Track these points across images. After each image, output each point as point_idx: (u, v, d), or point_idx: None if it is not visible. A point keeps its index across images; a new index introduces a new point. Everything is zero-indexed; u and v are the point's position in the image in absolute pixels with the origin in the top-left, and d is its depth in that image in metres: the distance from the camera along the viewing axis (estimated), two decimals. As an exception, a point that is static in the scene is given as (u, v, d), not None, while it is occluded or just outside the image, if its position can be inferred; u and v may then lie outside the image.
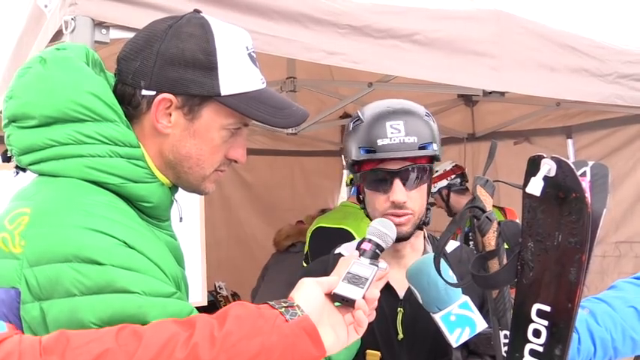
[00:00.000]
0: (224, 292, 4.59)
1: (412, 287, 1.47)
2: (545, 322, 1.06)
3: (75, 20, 1.70)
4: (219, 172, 1.24)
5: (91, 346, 0.91)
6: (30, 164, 1.13)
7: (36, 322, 1.01)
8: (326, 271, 1.68)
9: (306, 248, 3.46)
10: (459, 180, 4.33)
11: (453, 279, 1.35)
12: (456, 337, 1.41)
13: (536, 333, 1.08)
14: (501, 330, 1.24)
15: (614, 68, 3.13)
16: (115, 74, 1.21)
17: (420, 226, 1.63)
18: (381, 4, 2.37)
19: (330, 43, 2.20)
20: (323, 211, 4.33)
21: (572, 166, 0.98)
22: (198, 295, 2.45)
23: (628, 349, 1.53)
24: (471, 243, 3.29)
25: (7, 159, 2.40)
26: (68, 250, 0.99)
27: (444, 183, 4.33)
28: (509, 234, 1.15)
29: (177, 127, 1.17)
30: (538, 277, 1.06)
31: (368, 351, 1.58)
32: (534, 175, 1.00)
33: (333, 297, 1.13)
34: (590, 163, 1.06)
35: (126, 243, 1.03)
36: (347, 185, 3.80)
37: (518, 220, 1.16)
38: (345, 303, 1.13)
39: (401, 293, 1.63)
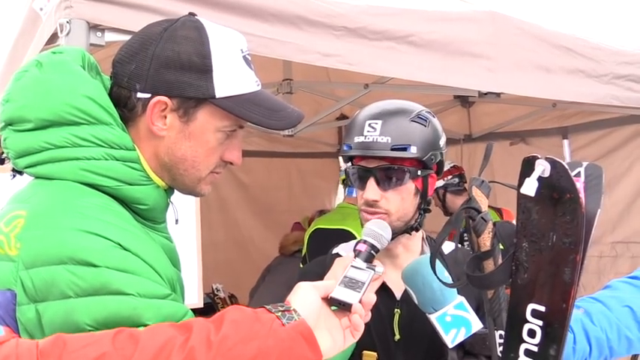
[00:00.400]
0: (221, 294, 4.59)
1: (408, 288, 1.47)
2: (540, 322, 1.07)
3: (70, 23, 1.70)
4: (214, 174, 1.25)
5: (87, 349, 0.91)
6: (26, 167, 1.13)
7: (32, 324, 1.01)
8: (323, 271, 1.68)
9: (304, 250, 3.46)
10: (456, 180, 4.34)
11: (449, 280, 1.36)
12: (451, 338, 1.41)
13: (531, 333, 1.09)
14: (497, 330, 1.25)
15: (610, 69, 3.14)
16: (110, 77, 1.22)
17: (406, 230, 1.62)
18: (376, 6, 2.37)
19: (325, 45, 2.21)
20: (321, 212, 4.33)
21: (567, 167, 0.98)
22: (194, 297, 2.46)
23: (623, 349, 1.53)
24: (466, 243, 3.30)
25: (1, 161, 2.40)
26: (63, 252, 1.00)
27: (440, 183, 4.35)
28: (504, 234, 1.16)
29: (173, 129, 1.17)
30: (533, 278, 1.07)
31: (365, 352, 1.59)
32: (529, 175, 1.01)
33: (330, 301, 1.13)
34: (585, 164, 1.06)
35: (120, 245, 1.04)
36: (342, 185, 3.81)
37: (515, 221, 1.17)
38: (342, 307, 1.13)
39: (398, 294, 1.63)
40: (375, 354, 1.59)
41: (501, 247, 1.20)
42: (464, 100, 4.95)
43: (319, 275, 1.36)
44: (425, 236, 1.74)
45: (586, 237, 0.99)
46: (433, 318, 1.43)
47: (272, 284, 4.01)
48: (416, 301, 1.46)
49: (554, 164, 0.99)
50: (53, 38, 1.83)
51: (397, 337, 1.61)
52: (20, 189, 1.16)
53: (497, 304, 1.24)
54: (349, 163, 1.66)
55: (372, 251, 1.32)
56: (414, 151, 1.54)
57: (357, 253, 1.30)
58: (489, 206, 4.30)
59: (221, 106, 1.16)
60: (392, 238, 1.58)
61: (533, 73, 2.85)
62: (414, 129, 1.56)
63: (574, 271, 1.00)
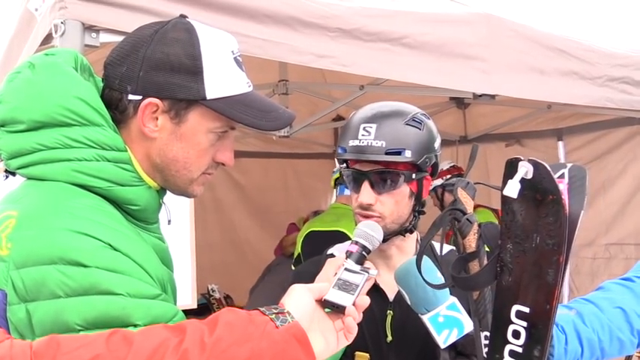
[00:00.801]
0: (217, 295, 4.60)
1: (400, 288, 1.48)
2: (524, 323, 1.07)
3: (65, 24, 1.71)
4: (206, 175, 1.25)
5: (81, 351, 0.91)
6: (18, 168, 1.14)
7: (22, 323, 1.01)
8: (318, 271, 1.69)
9: (297, 252, 3.46)
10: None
11: (440, 280, 1.36)
12: (443, 338, 1.42)
13: (516, 334, 1.09)
14: (482, 331, 1.25)
15: (604, 71, 3.16)
16: (102, 79, 1.22)
17: (400, 232, 1.63)
18: (371, 8, 2.38)
19: (320, 46, 2.21)
20: (316, 213, 4.34)
21: (549, 169, 0.99)
22: (188, 298, 2.46)
23: (615, 350, 1.54)
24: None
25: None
26: (54, 252, 1.00)
27: (438, 182, 4.39)
28: (490, 236, 1.16)
29: (164, 131, 1.18)
30: (517, 279, 1.07)
31: (357, 353, 1.59)
32: (512, 177, 1.01)
33: (324, 303, 1.14)
34: (569, 166, 1.07)
35: (111, 245, 1.04)
36: (333, 185, 3.80)
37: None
38: (336, 309, 1.13)
39: (391, 296, 1.64)
40: (367, 355, 1.60)
41: (487, 249, 1.21)
42: (459, 102, 4.97)
43: (314, 275, 1.37)
44: (419, 238, 1.75)
45: (569, 238, 1.00)
46: (425, 318, 1.43)
47: (270, 284, 4.02)
48: (409, 302, 1.47)
49: (536, 166, 1.00)
50: (48, 39, 1.83)
51: (389, 338, 1.61)
52: (12, 190, 1.17)
53: (482, 305, 1.25)
54: (344, 165, 1.67)
55: (364, 252, 1.33)
56: (408, 155, 1.54)
57: (348, 254, 1.31)
58: (485, 207, 4.29)
59: (212, 107, 1.17)
60: (386, 240, 1.59)
61: (527, 75, 2.87)
62: (409, 132, 1.56)
63: (557, 272, 1.01)
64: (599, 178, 4.30)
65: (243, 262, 5.26)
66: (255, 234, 5.60)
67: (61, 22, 1.71)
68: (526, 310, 1.07)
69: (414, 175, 1.58)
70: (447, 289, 1.44)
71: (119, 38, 1.58)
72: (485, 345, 1.22)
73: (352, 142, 1.56)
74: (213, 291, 4.60)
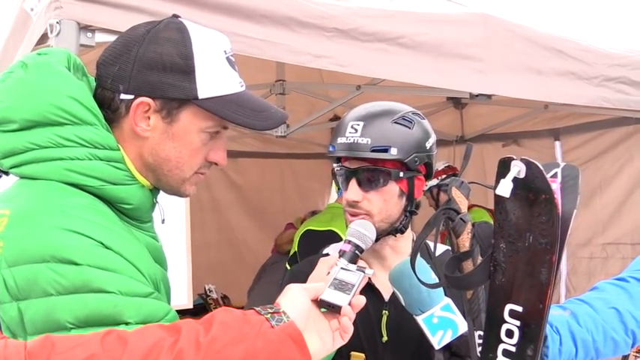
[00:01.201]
0: (214, 295, 4.59)
1: (395, 289, 1.48)
2: (518, 323, 1.07)
3: (60, 24, 1.70)
4: (199, 174, 1.25)
5: (76, 351, 0.91)
6: (11, 167, 1.14)
7: (14, 322, 1.02)
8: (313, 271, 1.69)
9: (293, 250, 3.47)
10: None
11: (435, 280, 1.36)
12: (438, 339, 1.42)
13: (509, 333, 1.09)
14: (476, 330, 1.26)
15: (601, 71, 3.16)
16: (95, 79, 1.23)
17: (391, 232, 1.63)
18: (368, 8, 2.38)
19: (317, 47, 2.21)
20: (313, 213, 4.34)
21: (542, 168, 0.99)
22: (184, 298, 2.45)
23: (609, 350, 1.54)
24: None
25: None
26: (45, 250, 1.00)
27: (434, 182, 4.40)
28: (483, 235, 1.17)
29: (156, 130, 1.18)
30: (510, 278, 1.07)
31: (352, 353, 1.59)
32: (504, 176, 1.02)
33: (320, 303, 1.14)
34: (562, 165, 1.07)
35: (102, 244, 1.04)
36: (335, 185, 3.81)
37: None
38: (331, 309, 1.13)
39: (386, 296, 1.64)
40: (362, 355, 1.60)
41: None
42: (456, 102, 4.97)
43: (309, 275, 1.37)
44: (415, 238, 1.74)
45: (562, 237, 1.00)
46: (420, 319, 1.43)
47: (268, 283, 4.01)
48: (403, 303, 1.47)
49: (529, 165, 1.00)
50: (43, 39, 1.83)
51: (385, 338, 1.62)
52: (5, 189, 1.17)
53: (476, 305, 1.25)
54: (339, 163, 1.68)
55: (357, 251, 1.34)
56: (394, 152, 1.54)
57: (341, 254, 1.32)
58: (480, 206, 4.29)
59: (204, 107, 1.17)
60: (377, 240, 1.59)
61: (524, 75, 2.87)
62: (396, 131, 1.56)
63: (550, 271, 1.01)
64: (595, 178, 4.31)
65: (240, 262, 5.26)
66: (253, 234, 5.60)
67: (57, 22, 1.71)
68: (519, 309, 1.07)
69: (401, 174, 1.57)
70: (442, 291, 1.44)
71: (115, 38, 1.58)
72: (479, 344, 1.22)
73: (340, 140, 1.58)
74: (210, 291, 4.59)
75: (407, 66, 2.46)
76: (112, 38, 1.74)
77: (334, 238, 2.92)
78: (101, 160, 1.13)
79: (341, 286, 1.17)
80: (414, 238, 1.73)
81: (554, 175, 1.04)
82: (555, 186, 1.01)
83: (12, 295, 1.01)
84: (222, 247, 5.41)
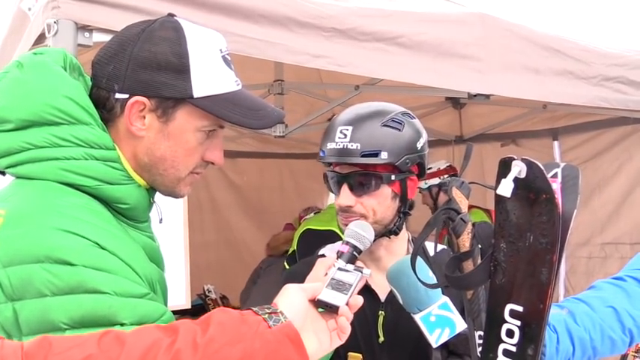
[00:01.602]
0: (213, 296, 4.59)
1: (392, 288, 1.48)
2: (518, 322, 1.07)
3: (58, 23, 1.70)
4: (194, 174, 1.25)
5: (73, 351, 0.91)
6: (7, 167, 1.13)
7: (9, 322, 1.01)
8: (310, 272, 1.69)
9: (292, 248, 3.47)
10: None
11: (433, 280, 1.36)
12: (435, 338, 1.42)
13: (510, 333, 1.09)
14: (476, 330, 1.26)
15: (599, 71, 3.16)
16: (90, 78, 1.22)
17: (385, 234, 1.62)
18: (366, 7, 2.38)
19: (315, 46, 2.21)
20: (308, 210, 4.35)
21: (542, 168, 0.99)
22: (182, 299, 2.45)
23: (607, 349, 1.54)
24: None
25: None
26: (40, 250, 1.00)
27: (435, 181, 4.40)
28: (483, 235, 1.16)
29: (152, 129, 1.17)
30: (510, 278, 1.07)
31: (350, 353, 1.59)
32: (505, 176, 1.02)
33: (317, 303, 1.13)
34: (562, 165, 1.07)
35: (98, 244, 1.04)
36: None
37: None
38: (329, 309, 1.13)
39: (382, 296, 1.64)
40: (360, 356, 1.60)
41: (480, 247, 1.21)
42: (455, 102, 4.97)
43: (306, 276, 1.36)
44: (410, 238, 1.74)
45: (562, 237, 1.00)
46: (417, 318, 1.43)
47: (266, 285, 4.01)
48: (400, 301, 1.47)
49: (530, 165, 1.00)
50: (41, 38, 1.83)
51: (381, 339, 1.61)
52: (1, 189, 1.17)
53: (476, 305, 1.25)
54: (330, 167, 1.67)
55: (355, 252, 1.33)
56: (384, 156, 1.53)
57: (339, 255, 1.31)
58: (479, 207, 4.29)
59: (199, 105, 1.16)
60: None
61: (522, 75, 2.87)
62: (386, 134, 1.55)
63: (551, 271, 1.01)
64: (594, 178, 4.32)
65: (239, 263, 5.25)
66: (252, 234, 5.60)
67: (54, 22, 1.70)
68: (520, 309, 1.07)
69: (393, 177, 1.57)
70: (439, 289, 1.44)
71: (112, 38, 1.57)
72: (479, 344, 1.22)
73: (330, 145, 1.57)
74: (209, 291, 4.59)
75: (405, 66, 2.46)
76: (109, 38, 1.74)
77: (334, 238, 2.92)
78: (97, 159, 1.12)
79: (338, 286, 1.17)
80: (409, 238, 1.73)
81: (555, 175, 1.04)
82: (556, 186, 1.01)
83: (7, 295, 1.01)
84: (221, 247, 5.41)
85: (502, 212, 1.05)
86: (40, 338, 0.93)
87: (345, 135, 1.54)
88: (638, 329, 1.55)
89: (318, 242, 1.94)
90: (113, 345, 0.92)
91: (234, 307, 1.74)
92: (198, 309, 3.90)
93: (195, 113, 1.18)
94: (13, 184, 1.15)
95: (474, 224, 1.22)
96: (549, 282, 1.01)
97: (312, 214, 4.50)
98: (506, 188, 1.01)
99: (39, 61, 1.16)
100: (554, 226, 0.98)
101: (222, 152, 1.26)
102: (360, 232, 1.38)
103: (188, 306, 2.47)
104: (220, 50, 1.21)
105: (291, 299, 1.09)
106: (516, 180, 1.01)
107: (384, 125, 1.56)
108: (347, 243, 1.35)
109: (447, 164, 4.66)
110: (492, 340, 1.12)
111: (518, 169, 1.00)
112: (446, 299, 1.44)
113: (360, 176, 1.57)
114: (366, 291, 1.56)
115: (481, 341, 1.19)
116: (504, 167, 1.03)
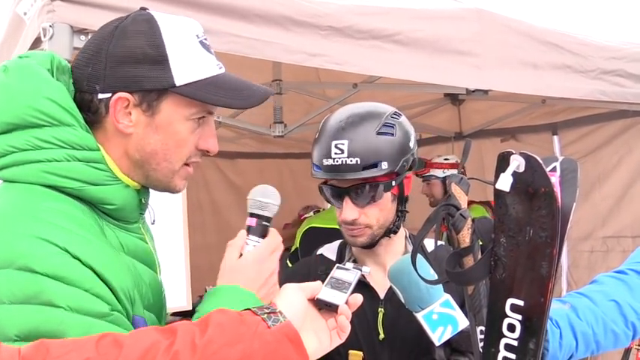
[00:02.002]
0: (214, 296, 4.58)
1: (394, 287, 1.48)
2: (519, 317, 1.07)
3: (53, 27, 1.70)
4: (188, 167, 1.23)
5: (71, 355, 0.90)
6: None
7: None
8: (309, 272, 1.69)
9: (295, 246, 3.46)
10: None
11: (433, 277, 1.36)
12: (438, 336, 1.41)
13: (511, 327, 1.09)
14: (478, 326, 1.25)
15: (597, 64, 3.16)
16: (72, 83, 1.20)
17: (385, 234, 1.62)
18: (362, 5, 2.38)
19: (312, 45, 2.21)
20: (307, 208, 4.34)
21: (541, 162, 0.99)
22: (183, 300, 2.44)
23: (610, 343, 1.54)
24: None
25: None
26: (7, 257, 0.98)
27: (440, 173, 4.41)
28: (483, 230, 1.16)
29: (139, 125, 1.16)
30: (511, 272, 1.07)
31: (350, 351, 1.59)
32: (504, 171, 1.01)
33: (316, 302, 1.13)
34: (561, 159, 1.07)
35: (67, 251, 1.01)
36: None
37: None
38: (328, 308, 1.13)
39: (381, 294, 1.64)
40: (360, 353, 1.60)
41: (480, 242, 1.21)
42: (454, 98, 4.96)
43: (305, 276, 1.36)
44: (408, 235, 1.74)
45: (562, 231, 1.00)
46: (420, 316, 1.43)
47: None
48: (402, 300, 1.46)
49: (528, 159, 1.00)
50: (37, 42, 1.83)
51: (382, 336, 1.61)
52: None
53: (477, 300, 1.25)
54: (323, 180, 1.65)
55: (264, 222, 1.27)
56: (385, 166, 1.52)
57: (248, 230, 1.26)
58: (479, 203, 4.28)
59: (183, 93, 1.15)
60: (373, 245, 1.59)
61: (520, 70, 2.87)
62: (382, 142, 1.53)
63: (551, 264, 1.01)
64: (594, 172, 4.31)
65: (240, 264, 5.24)
66: (252, 235, 5.59)
67: (50, 26, 1.70)
68: (520, 303, 1.07)
69: (393, 182, 1.57)
70: (441, 287, 1.44)
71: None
72: (481, 339, 1.22)
73: (326, 162, 1.54)
74: (210, 293, 4.58)
75: (402, 63, 2.46)
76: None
77: (338, 235, 2.92)
78: (79, 160, 1.11)
79: (337, 284, 1.17)
80: (407, 235, 1.74)
81: (553, 169, 1.04)
82: (554, 179, 1.01)
83: None
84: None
85: (501, 207, 1.05)
86: (38, 342, 0.92)
87: (342, 150, 1.52)
88: (641, 322, 1.54)
89: (321, 240, 1.93)
90: (111, 348, 0.92)
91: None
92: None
93: (181, 102, 1.16)
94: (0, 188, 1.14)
95: (473, 220, 1.22)
96: (550, 275, 1.01)
97: (311, 213, 4.50)
98: (505, 182, 1.01)
99: (23, 64, 1.15)
100: (554, 220, 0.98)
101: (216, 139, 1.24)
102: (262, 200, 1.29)
103: (189, 307, 2.47)
104: (197, 36, 1.20)
105: (290, 299, 1.09)
106: (515, 174, 1.01)
107: (379, 133, 1.54)
108: (252, 215, 1.28)
109: (455, 159, 4.65)
110: (494, 335, 1.11)
111: (516, 163, 1.00)
112: (447, 297, 1.44)
113: (361, 188, 1.55)
114: (366, 288, 1.56)
115: (483, 336, 1.19)
116: (503, 162, 1.03)
